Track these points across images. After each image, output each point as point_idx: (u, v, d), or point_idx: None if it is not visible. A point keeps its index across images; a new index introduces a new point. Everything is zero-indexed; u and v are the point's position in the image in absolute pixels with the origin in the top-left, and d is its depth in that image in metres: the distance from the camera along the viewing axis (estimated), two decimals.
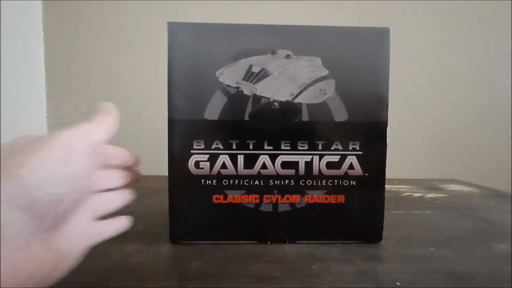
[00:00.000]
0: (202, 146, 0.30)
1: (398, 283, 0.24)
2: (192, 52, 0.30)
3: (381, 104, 0.31)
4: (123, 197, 0.26)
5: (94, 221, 0.23)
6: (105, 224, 0.25)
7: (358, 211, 0.31)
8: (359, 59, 0.31)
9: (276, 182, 0.31)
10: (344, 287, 0.24)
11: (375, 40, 0.31)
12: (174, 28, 0.30)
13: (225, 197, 0.30)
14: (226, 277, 0.24)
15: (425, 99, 0.72)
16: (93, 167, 0.22)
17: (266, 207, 0.31)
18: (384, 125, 0.31)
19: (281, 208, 0.31)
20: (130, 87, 0.68)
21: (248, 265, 0.26)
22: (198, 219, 0.31)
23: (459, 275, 0.25)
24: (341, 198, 0.31)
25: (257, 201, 0.30)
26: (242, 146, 0.30)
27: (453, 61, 0.70)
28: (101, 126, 0.24)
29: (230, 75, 0.30)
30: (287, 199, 0.31)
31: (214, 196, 0.30)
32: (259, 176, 0.30)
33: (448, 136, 0.72)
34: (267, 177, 0.30)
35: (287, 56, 0.30)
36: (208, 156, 0.30)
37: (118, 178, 0.26)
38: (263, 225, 0.31)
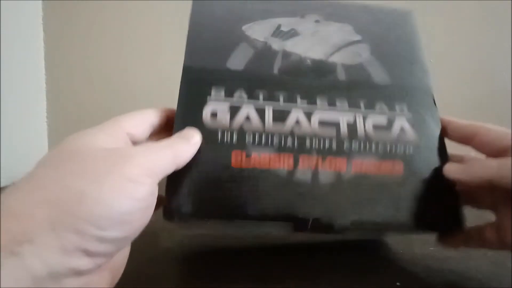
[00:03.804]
0: (222, 94, 0.24)
1: (398, 283, 0.24)
2: (218, 7, 0.28)
3: (423, 70, 0.28)
4: None
5: None
6: None
7: (423, 188, 0.24)
8: (389, 32, 0.30)
9: (314, 142, 0.24)
10: (344, 287, 0.24)
11: (398, 22, 0.30)
12: None
13: (248, 155, 0.23)
14: None
15: None
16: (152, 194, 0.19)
17: (303, 176, 0.23)
18: (431, 91, 0.28)
19: (323, 179, 0.23)
20: (131, 87, 0.68)
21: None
22: (208, 188, 0.22)
23: (459, 275, 0.25)
24: (399, 166, 0.24)
25: (291, 164, 0.23)
26: (270, 97, 0.25)
27: (453, 62, 0.70)
28: (174, 154, 0.20)
29: (257, 30, 0.28)
30: (330, 163, 0.23)
31: (233, 153, 0.23)
32: (292, 134, 0.24)
33: None
34: (302, 136, 0.24)
35: (317, 21, 0.29)
36: (228, 105, 0.24)
37: None
38: (299, 201, 0.23)
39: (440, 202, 0.24)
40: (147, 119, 0.23)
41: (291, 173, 0.23)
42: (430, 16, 0.73)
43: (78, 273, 0.16)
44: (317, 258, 0.28)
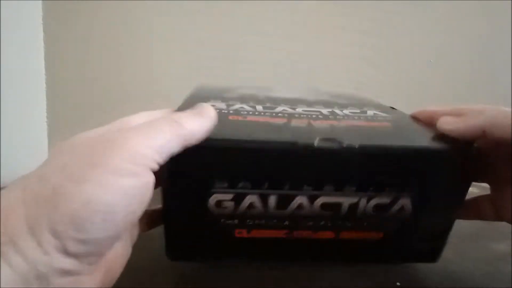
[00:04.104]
0: (220, 100, 0.29)
1: (398, 283, 0.24)
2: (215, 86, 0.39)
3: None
4: None
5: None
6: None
7: (418, 133, 0.25)
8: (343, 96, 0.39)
9: (301, 115, 0.27)
10: (344, 287, 0.24)
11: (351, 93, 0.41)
12: None
13: (244, 118, 0.25)
14: None
15: (425, 100, 0.72)
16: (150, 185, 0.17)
17: (298, 124, 0.25)
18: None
19: (318, 127, 0.25)
20: (131, 87, 0.68)
21: None
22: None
23: (458, 275, 0.25)
24: (387, 124, 0.26)
25: (285, 120, 0.25)
26: (259, 103, 0.30)
27: (453, 61, 0.70)
28: (184, 131, 0.18)
29: (244, 89, 0.38)
30: (321, 122, 0.26)
31: (229, 116, 0.25)
32: (282, 113, 0.27)
33: None
34: (291, 114, 0.27)
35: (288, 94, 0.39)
36: (225, 103, 0.29)
37: None
38: (302, 133, 0.23)
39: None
40: (154, 117, 0.23)
41: (287, 123, 0.25)
42: (430, 16, 0.73)
43: (66, 273, 0.15)
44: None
